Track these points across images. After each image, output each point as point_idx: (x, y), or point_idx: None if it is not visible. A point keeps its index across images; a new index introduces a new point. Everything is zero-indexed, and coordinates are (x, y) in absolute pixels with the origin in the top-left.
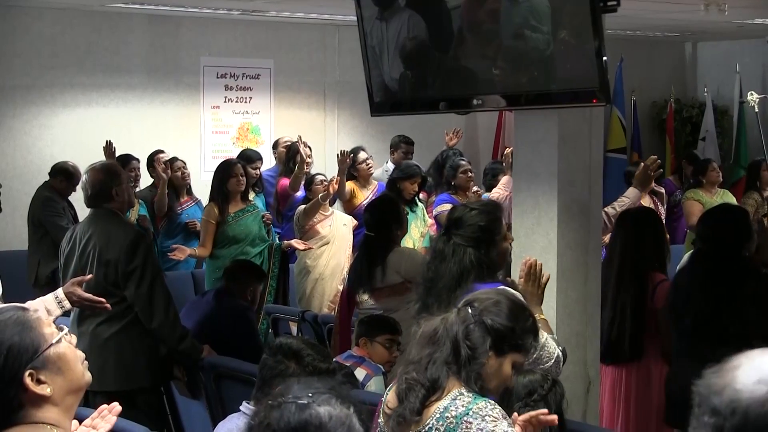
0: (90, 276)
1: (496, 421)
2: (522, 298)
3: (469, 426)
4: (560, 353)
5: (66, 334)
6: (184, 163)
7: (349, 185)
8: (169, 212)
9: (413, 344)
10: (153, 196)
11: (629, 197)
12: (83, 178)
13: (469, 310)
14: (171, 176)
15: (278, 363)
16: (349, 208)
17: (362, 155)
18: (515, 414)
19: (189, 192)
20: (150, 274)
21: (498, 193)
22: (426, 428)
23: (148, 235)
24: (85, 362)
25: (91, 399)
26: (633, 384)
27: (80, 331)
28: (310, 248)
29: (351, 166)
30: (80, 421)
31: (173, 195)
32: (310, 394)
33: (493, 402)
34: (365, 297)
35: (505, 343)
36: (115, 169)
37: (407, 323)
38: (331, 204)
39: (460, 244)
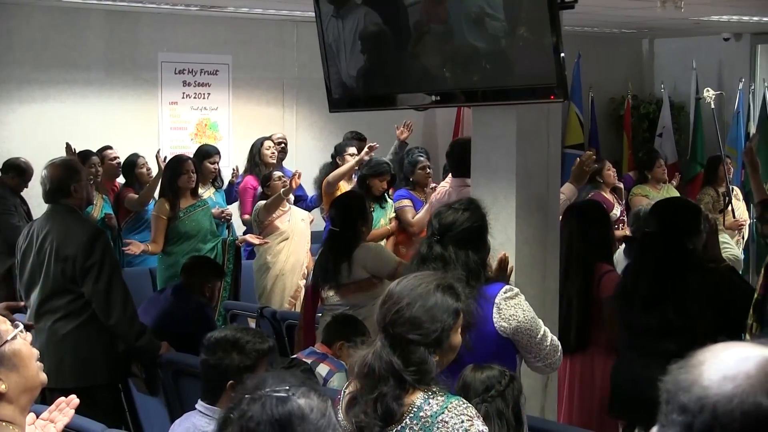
0: (22, 303)
1: (471, 419)
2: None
3: (445, 424)
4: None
5: (21, 332)
6: (146, 159)
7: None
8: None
9: (353, 377)
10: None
11: (564, 193)
12: (42, 173)
13: (387, 336)
14: (135, 173)
15: (221, 359)
16: (329, 202)
17: (351, 149)
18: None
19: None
20: (108, 271)
21: (444, 187)
22: (399, 427)
23: (112, 232)
24: (40, 363)
25: (48, 396)
26: (577, 374)
27: (37, 327)
28: (265, 242)
29: (338, 158)
30: (38, 416)
31: (138, 191)
32: (287, 387)
33: (465, 401)
34: (331, 293)
35: (441, 335)
36: (75, 166)
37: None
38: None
39: (459, 248)
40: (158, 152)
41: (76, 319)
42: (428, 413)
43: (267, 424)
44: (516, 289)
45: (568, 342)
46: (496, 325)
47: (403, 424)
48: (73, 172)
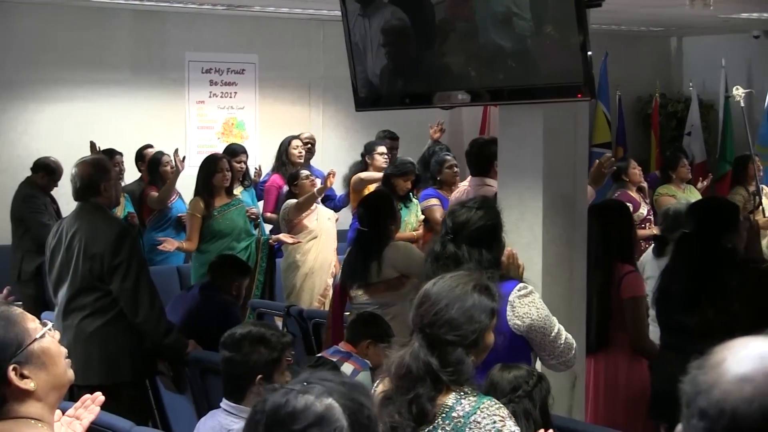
0: (11, 296)
1: (503, 420)
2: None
3: (477, 425)
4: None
5: (50, 330)
6: (184, 157)
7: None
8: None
9: (390, 378)
10: (141, 189)
11: None
12: (72, 171)
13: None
14: (160, 171)
15: (248, 354)
16: (357, 200)
17: (381, 148)
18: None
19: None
20: (135, 269)
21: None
22: (431, 427)
23: (134, 230)
24: (68, 360)
25: (76, 393)
26: (601, 374)
27: (65, 324)
28: (298, 242)
29: (368, 156)
30: (63, 412)
31: (161, 189)
32: (305, 384)
33: (497, 401)
34: (359, 292)
35: (477, 336)
36: (105, 165)
37: (403, 317)
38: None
39: (473, 246)
40: (176, 151)
41: (103, 317)
42: (460, 414)
43: (311, 416)
44: (530, 287)
45: (590, 342)
46: (509, 322)
47: (435, 425)
48: (103, 171)
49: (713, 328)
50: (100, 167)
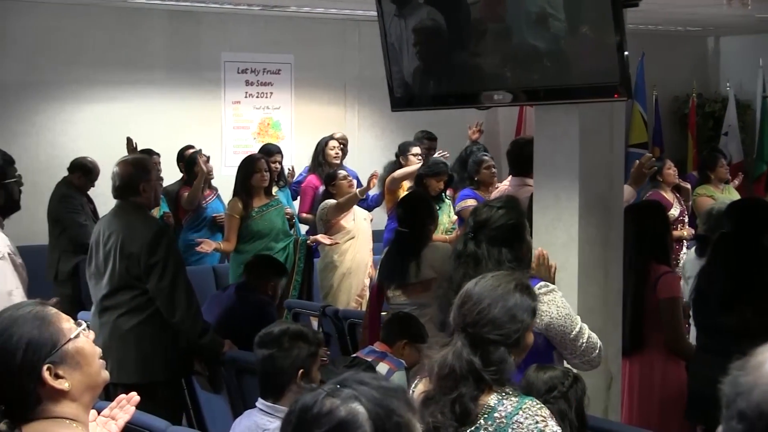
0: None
1: (545, 420)
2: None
3: (519, 425)
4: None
5: (84, 330)
6: (208, 157)
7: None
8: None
9: (431, 378)
10: (178, 189)
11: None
12: (114, 169)
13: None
14: (195, 171)
15: (289, 349)
16: (392, 200)
17: (415, 149)
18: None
19: (210, 185)
20: (172, 268)
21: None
22: (473, 428)
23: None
24: (103, 360)
25: (112, 391)
26: (636, 376)
27: (101, 321)
28: (336, 243)
29: (401, 157)
30: (99, 412)
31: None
32: (337, 386)
33: (539, 402)
34: (397, 292)
35: (520, 335)
36: (146, 165)
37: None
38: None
39: (493, 245)
40: (200, 151)
41: (139, 315)
42: (502, 414)
43: (333, 420)
44: (552, 286)
45: (623, 343)
46: None
47: (477, 425)
48: (143, 171)
49: (751, 329)
50: (140, 167)
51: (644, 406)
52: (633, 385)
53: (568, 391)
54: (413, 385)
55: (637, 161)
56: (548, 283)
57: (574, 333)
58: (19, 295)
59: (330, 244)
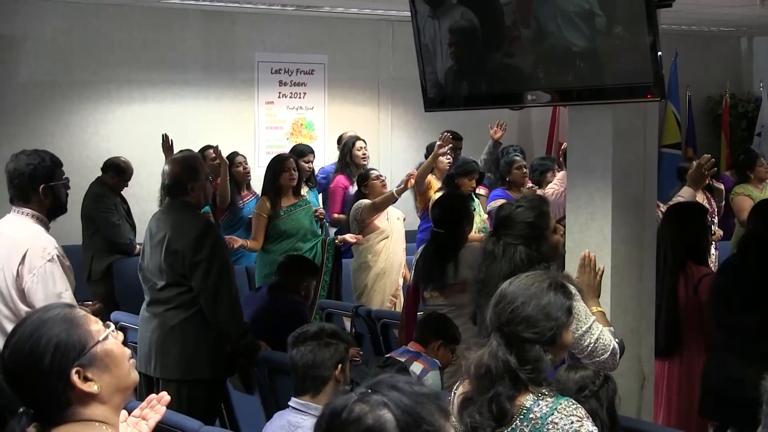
0: (97, 305)
1: (581, 420)
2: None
3: (555, 425)
4: (617, 345)
5: (113, 331)
6: (245, 158)
7: (428, 177)
8: (231, 206)
9: (469, 378)
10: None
11: (684, 196)
12: (164, 167)
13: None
14: (232, 171)
15: (328, 345)
16: (424, 201)
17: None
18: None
19: (249, 186)
20: (217, 267)
21: (553, 188)
22: (509, 429)
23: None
24: (133, 361)
25: (155, 386)
26: (675, 378)
27: (150, 312)
28: (361, 241)
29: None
30: (129, 412)
31: (234, 189)
32: (369, 390)
33: (575, 402)
34: (435, 294)
35: (555, 333)
36: (195, 165)
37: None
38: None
39: (510, 242)
40: (216, 147)
41: (186, 311)
42: (538, 415)
43: (361, 427)
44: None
45: (660, 345)
46: None
47: (513, 426)
48: (192, 171)
49: None
50: (189, 167)
51: (685, 407)
52: (672, 386)
53: (599, 390)
54: (455, 388)
55: (695, 162)
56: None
57: (579, 332)
58: (68, 297)
59: (354, 243)
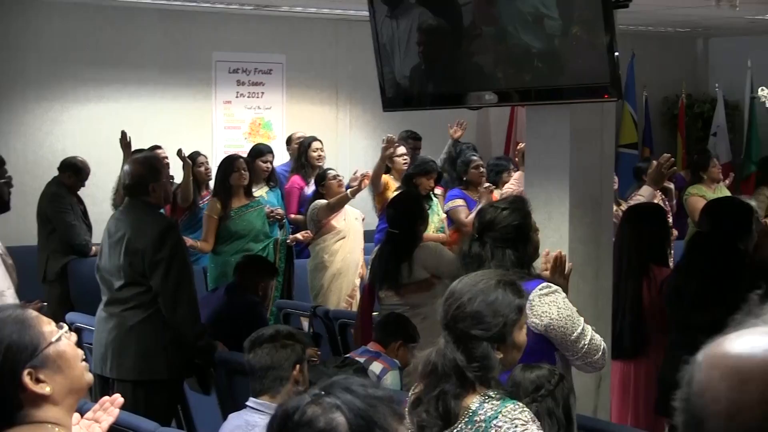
0: (39, 303)
1: (525, 425)
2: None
3: (498, 430)
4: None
5: (66, 332)
6: (206, 158)
7: (384, 178)
8: (192, 206)
9: (417, 377)
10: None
11: (643, 195)
12: (124, 167)
13: (450, 333)
14: (194, 171)
15: (285, 346)
16: (381, 201)
17: (401, 149)
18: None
19: (209, 186)
20: (177, 267)
21: (510, 188)
22: (455, 431)
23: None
24: (86, 363)
25: (111, 386)
26: (641, 379)
27: (108, 311)
28: (310, 235)
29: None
30: (82, 414)
31: (195, 189)
32: (323, 392)
33: (521, 405)
34: (390, 293)
35: (504, 329)
36: (156, 165)
37: (434, 318)
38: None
39: (497, 246)
40: (179, 151)
41: (144, 311)
42: (482, 418)
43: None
44: (554, 287)
45: (624, 346)
46: (528, 321)
47: (459, 429)
48: (154, 171)
49: (722, 327)
50: (151, 167)
51: (652, 407)
52: (639, 386)
53: (555, 389)
54: (412, 388)
55: (655, 161)
56: (551, 284)
57: (575, 335)
58: (10, 296)
59: (303, 240)
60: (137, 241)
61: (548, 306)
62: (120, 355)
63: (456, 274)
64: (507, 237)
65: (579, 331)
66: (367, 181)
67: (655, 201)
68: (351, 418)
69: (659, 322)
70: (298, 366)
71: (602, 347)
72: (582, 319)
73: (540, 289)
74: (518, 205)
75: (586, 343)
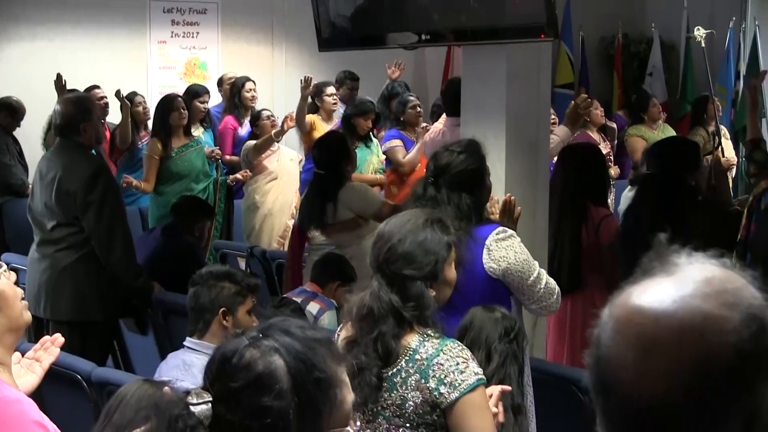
0: None
1: (466, 362)
2: None
3: (440, 367)
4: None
5: (5, 271)
6: (144, 98)
7: (311, 118)
8: (131, 146)
9: (351, 320)
10: (113, 130)
11: (558, 135)
12: (55, 107)
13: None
14: (132, 111)
15: (213, 286)
16: (308, 141)
17: (330, 89)
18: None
19: (147, 127)
20: (109, 209)
21: (437, 127)
22: (395, 370)
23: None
24: (25, 302)
25: (46, 327)
26: (578, 314)
27: (40, 252)
28: (248, 174)
29: (317, 98)
30: (22, 354)
31: (134, 129)
32: (260, 335)
33: (460, 343)
34: (317, 233)
35: (436, 267)
36: (87, 105)
37: (360, 258)
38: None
39: (453, 190)
40: (118, 91)
41: (77, 252)
42: (424, 356)
43: (251, 375)
44: (510, 231)
45: (562, 282)
46: (485, 266)
47: (399, 367)
48: (85, 111)
49: None
50: (82, 107)
51: (578, 344)
52: (576, 321)
53: (518, 333)
54: (338, 330)
55: (573, 101)
56: (506, 229)
57: (531, 278)
58: None
59: (243, 177)
60: (69, 183)
61: (505, 251)
62: (54, 296)
63: (379, 215)
64: (463, 181)
65: (535, 275)
66: (291, 122)
67: (596, 140)
68: (290, 360)
69: (595, 261)
70: (222, 309)
71: (557, 291)
72: (537, 263)
73: (496, 234)
74: (474, 149)
75: (542, 286)
